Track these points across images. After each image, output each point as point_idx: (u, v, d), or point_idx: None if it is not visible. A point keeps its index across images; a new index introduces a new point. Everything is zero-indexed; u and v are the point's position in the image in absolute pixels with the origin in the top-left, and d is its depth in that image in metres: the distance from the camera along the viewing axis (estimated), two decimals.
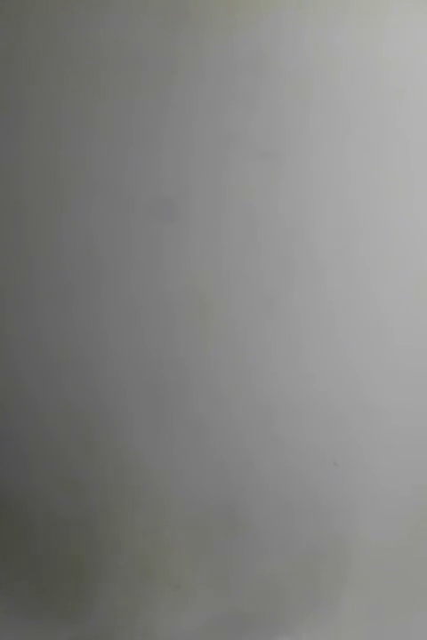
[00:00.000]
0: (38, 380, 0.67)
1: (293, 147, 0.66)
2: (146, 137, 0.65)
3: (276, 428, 0.67)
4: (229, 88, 0.66)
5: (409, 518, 0.70)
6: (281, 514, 0.68)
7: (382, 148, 0.67)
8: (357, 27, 0.66)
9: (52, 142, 0.66)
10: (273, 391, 0.67)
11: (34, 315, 0.66)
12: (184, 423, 0.67)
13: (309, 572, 0.69)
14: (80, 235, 0.66)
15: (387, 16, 0.67)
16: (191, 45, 0.65)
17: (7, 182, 0.66)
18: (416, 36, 0.67)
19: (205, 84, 0.65)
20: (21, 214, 0.66)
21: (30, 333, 0.66)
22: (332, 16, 0.66)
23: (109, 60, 0.65)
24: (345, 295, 0.67)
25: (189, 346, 0.66)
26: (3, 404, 0.67)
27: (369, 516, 0.69)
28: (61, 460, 0.67)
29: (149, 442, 0.67)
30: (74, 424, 0.67)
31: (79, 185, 0.66)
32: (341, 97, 0.66)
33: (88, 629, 0.68)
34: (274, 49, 0.66)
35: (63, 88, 0.65)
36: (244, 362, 0.67)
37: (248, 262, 0.66)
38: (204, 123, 0.65)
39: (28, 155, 0.66)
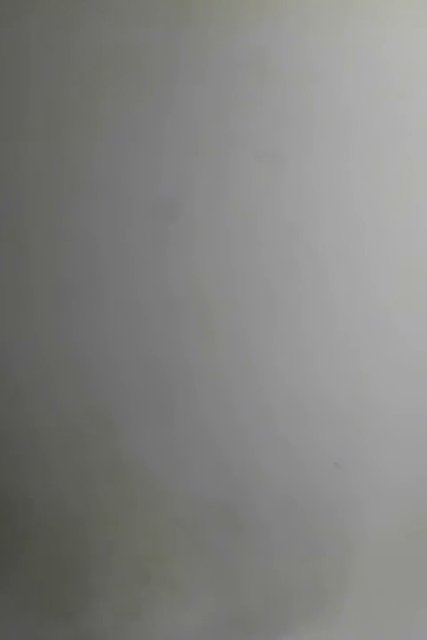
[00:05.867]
0: (38, 381, 0.67)
1: (294, 147, 0.66)
2: (148, 137, 0.65)
3: (278, 428, 0.67)
4: (231, 89, 0.66)
5: (411, 517, 0.70)
6: (283, 513, 0.68)
7: (383, 147, 0.67)
8: (358, 27, 0.67)
9: (53, 142, 0.66)
10: (276, 391, 0.67)
11: (34, 316, 0.66)
12: (186, 423, 0.67)
13: (311, 571, 0.69)
14: (81, 235, 0.66)
15: (388, 17, 0.67)
16: (192, 46, 0.65)
17: (7, 182, 0.66)
18: (417, 37, 0.67)
19: (206, 84, 0.66)
20: (22, 214, 0.66)
21: (30, 335, 0.66)
22: (333, 17, 0.66)
23: (110, 60, 0.65)
24: (347, 295, 0.67)
25: (191, 346, 0.66)
26: (4, 406, 0.67)
27: (371, 515, 0.69)
28: (62, 461, 0.67)
29: (150, 442, 0.67)
30: (74, 425, 0.67)
31: (80, 185, 0.66)
32: (342, 97, 0.67)
33: (88, 629, 0.68)
34: (275, 50, 0.66)
35: (64, 89, 0.65)
36: (247, 362, 0.67)
37: (251, 262, 0.66)
38: (205, 123, 0.66)
39: (29, 155, 0.66)
